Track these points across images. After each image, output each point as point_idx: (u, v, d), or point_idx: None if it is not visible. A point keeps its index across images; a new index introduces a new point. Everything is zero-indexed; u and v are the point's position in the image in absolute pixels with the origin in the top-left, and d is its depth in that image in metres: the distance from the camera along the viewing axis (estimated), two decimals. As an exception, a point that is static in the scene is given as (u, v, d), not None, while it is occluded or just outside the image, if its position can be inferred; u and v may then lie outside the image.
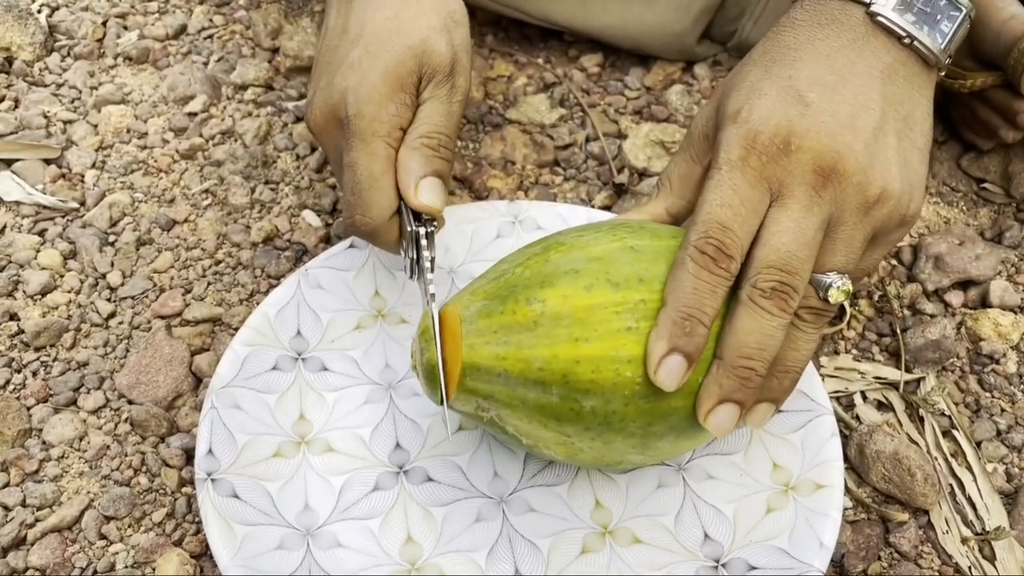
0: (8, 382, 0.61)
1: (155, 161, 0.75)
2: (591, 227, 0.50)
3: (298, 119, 0.78)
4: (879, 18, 0.50)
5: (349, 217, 0.56)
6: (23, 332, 0.64)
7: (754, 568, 0.51)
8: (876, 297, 0.67)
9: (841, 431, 0.59)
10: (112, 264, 0.68)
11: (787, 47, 0.50)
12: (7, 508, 0.56)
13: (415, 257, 0.56)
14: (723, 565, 0.52)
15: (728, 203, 0.46)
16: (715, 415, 0.46)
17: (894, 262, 0.69)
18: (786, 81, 0.49)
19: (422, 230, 0.55)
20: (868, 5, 0.50)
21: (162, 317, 0.65)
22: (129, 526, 0.56)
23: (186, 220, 0.71)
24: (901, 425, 0.61)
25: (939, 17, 0.50)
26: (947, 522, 0.57)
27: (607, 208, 0.72)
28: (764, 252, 0.46)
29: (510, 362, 0.46)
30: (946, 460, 0.59)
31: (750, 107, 0.48)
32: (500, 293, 0.48)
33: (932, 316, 0.66)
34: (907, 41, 0.50)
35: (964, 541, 0.56)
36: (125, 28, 0.85)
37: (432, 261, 0.55)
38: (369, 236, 0.57)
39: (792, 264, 0.46)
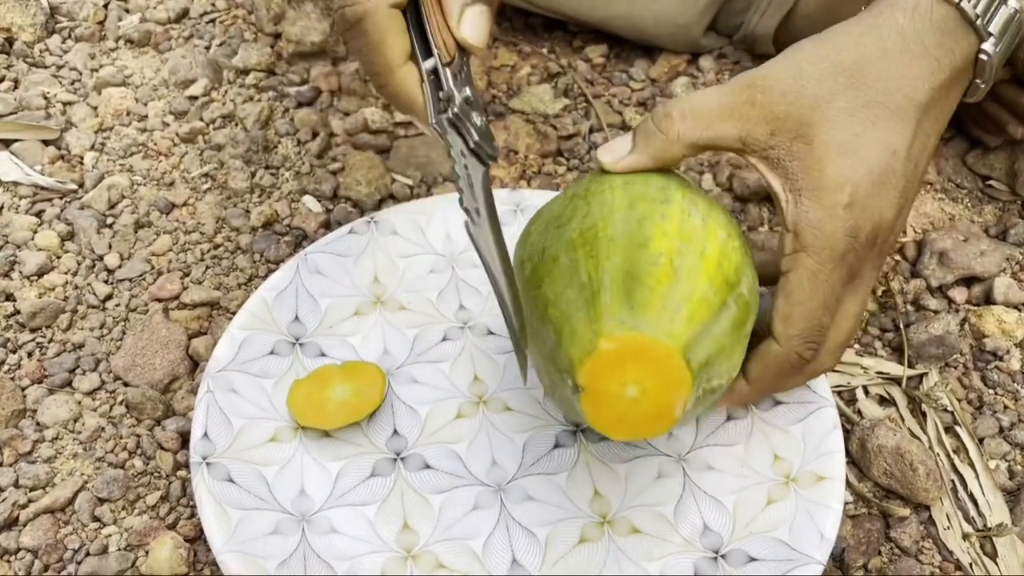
0: (3, 362, 0.61)
1: (155, 144, 0.74)
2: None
3: (300, 104, 0.77)
4: (983, 57, 0.48)
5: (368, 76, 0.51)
6: (19, 312, 0.63)
7: (754, 559, 0.51)
8: (880, 292, 0.66)
9: (843, 425, 0.59)
10: (110, 246, 0.68)
11: (903, 91, 0.47)
12: (0, 489, 0.55)
13: (448, 149, 0.48)
14: (723, 556, 0.51)
15: (828, 304, 0.47)
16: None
17: (898, 258, 0.68)
18: (890, 157, 0.46)
19: (444, 117, 0.48)
20: (982, 40, 0.47)
21: (159, 300, 0.65)
22: (123, 508, 0.55)
23: (185, 204, 0.71)
24: (903, 420, 0.60)
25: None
26: (948, 518, 0.56)
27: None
28: (835, 335, 0.50)
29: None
30: (948, 456, 0.59)
31: (855, 191, 0.46)
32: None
33: (936, 312, 0.65)
34: (980, 83, 0.49)
35: (965, 537, 0.55)
36: (127, 11, 0.84)
37: (479, 145, 0.48)
38: (388, 98, 0.50)
39: (842, 348, 0.51)
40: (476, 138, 0.48)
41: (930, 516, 0.56)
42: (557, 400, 0.50)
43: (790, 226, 0.47)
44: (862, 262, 0.49)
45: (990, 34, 0.47)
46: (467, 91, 0.49)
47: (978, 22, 0.47)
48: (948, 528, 0.56)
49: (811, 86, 0.47)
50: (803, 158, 0.47)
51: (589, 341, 0.44)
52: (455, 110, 0.48)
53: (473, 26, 0.49)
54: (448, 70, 0.49)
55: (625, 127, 0.76)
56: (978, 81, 0.50)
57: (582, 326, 0.44)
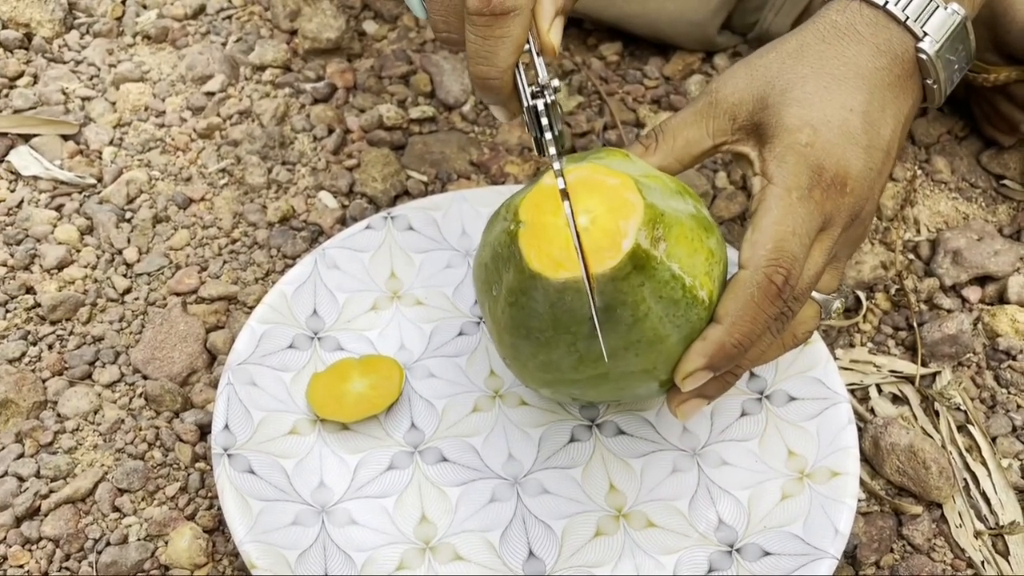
0: (24, 354, 0.61)
1: (172, 139, 0.75)
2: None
3: (316, 101, 0.78)
4: (922, 56, 0.51)
5: (472, 67, 0.51)
6: (39, 306, 0.64)
7: (768, 553, 0.51)
8: (893, 291, 0.67)
9: (856, 423, 0.59)
10: (128, 240, 0.68)
11: (848, 65, 0.50)
12: (22, 479, 0.56)
13: (540, 135, 0.50)
14: (737, 550, 0.52)
15: (798, 232, 0.46)
16: (687, 406, 0.49)
17: (912, 256, 0.69)
18: (847, 114, 0.49)
19: (540, 103, 0.49)
20: (918, 40, 0.51)
21: (178, 294, 0.65)
22: (142, 499, 0.56)
23: (203, 199, 0.71)
24: (916, 419, 0.61)
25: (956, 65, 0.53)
26: (961, 516, 0.57)
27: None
28: (800, 280, 0.49)
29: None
30: (961, 455, 0.59)
31: (815, 133, 0.48)
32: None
33: (949, 311, 0.66)
34: (931, 83, 0.52)
35: (977, 535, 0.56)
36: (144, 7, 0.85)
37: (560, 135, 0.50)
38: (488, 89, 0.51)
39: (807, 293, 0.48)
40: (560, 127, 0.50)
41: (942, 514, 0.57)
42: (491, 325, 0.50)
43: (757, 169, 0.49)
44: (832, 208, 0.48)
45: (926, 34, 0.50)
46: (556, 82, 0.50)
47: (908, 22, 0.50)
48: (960, 526, 0.56)
49: (760, 71, 0.51)
50: (765, 119, 0.50)
51: (534, 185, 0.46)
52: (551, 98, 0.49)
53: (558, 32, 0.51)
54: (541, 59, 0.51)
55: (639, 124, 0.77)
56: (929, 81, 0.52)
57: (530, 186, 0.47)
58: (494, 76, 0.50)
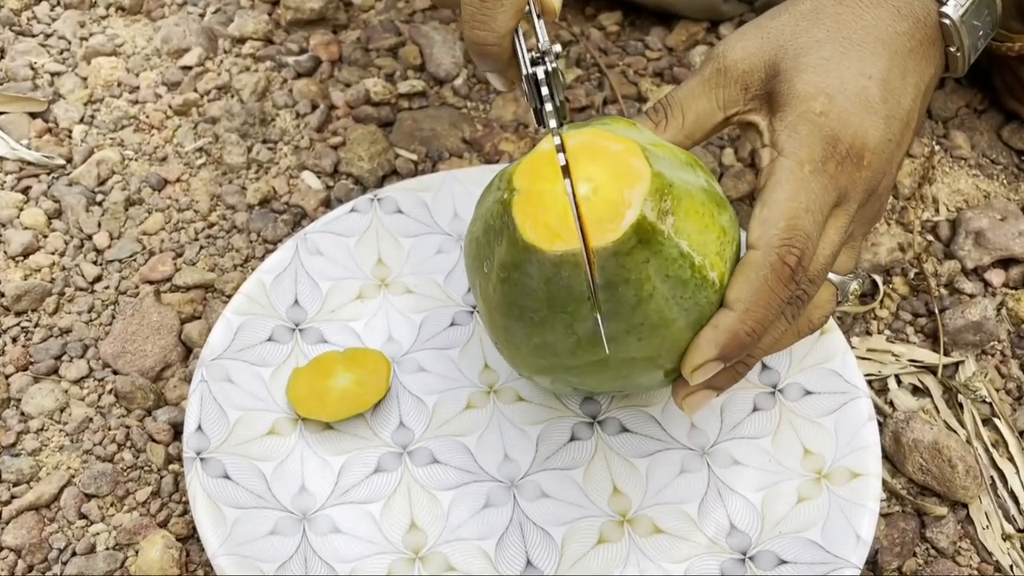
0: (-15, 348, 0.58)
1: (147, 117, 0.71)
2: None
3: (299, 75, 0.74)
4: (945, 21, 0.49)
5: (467, 31, 0.48)
6: (3, 295, 0.61)
7: (784, 562, 0.48)
8: (911, 274, 0.63)
9: (875, 419, 0.56)
10: (99, 225, 0.65)
11: (867, 28, 0.47)
12: (-19, 484, 0.52)
13: (539, 104, 0.47)
14: (751, 558, 0.49)
15: (811, 209, 0.44)
16: (694, 398, 0.46)
17: (930, 237, 0.65)
18: (865, 81, 0.46)
19: (540, 70, 0.46)
20: (941, 3, 0.48)
21: (151, 282, 0.62)
22: (111, 505, 0.53)
23: (178, 180, 0.68)
24: (938, 412, 0.57)
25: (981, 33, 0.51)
26: (987, 517, 0.53)
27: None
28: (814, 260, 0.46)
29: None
30: (986, 450, 0.55)
31: (830, 102, 0.45)
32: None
33: (971, 296, 0.62)
34: (954, 50, 0.50)
35: (1006, 538, 0.52)
36: (117, -24, 0.81)
37: (562, 105, 0.47)
38: (485, 55, 0.49)
39: (822, 275, 0.45)
40: (561, 96, 0.47)
41: (968, 515, 0.53)
42: (481, 299, 0.47)
43: (767, 140, 0.46)
44: (847, 182, 0.45)
45: None
46: (557, 47, 0.47)
47: None
48: (987, 527, 0.53)
49: (772, 35, 0.48)
50: (777, 87, 0.47)
51: (531, 151, 0.43)
52: (553, 64, 0.46)
53: None
54: (542, 21, 0.48)
55: (641, 98, 0.73)
56: (952, 49, 0.50)
57: (527, 155, 0.43)
58: (492, 41, 0.47)
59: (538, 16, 0.47)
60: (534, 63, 0.47)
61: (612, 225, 0.40)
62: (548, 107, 0.45)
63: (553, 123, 0.45)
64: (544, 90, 0.46)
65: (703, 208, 0.43)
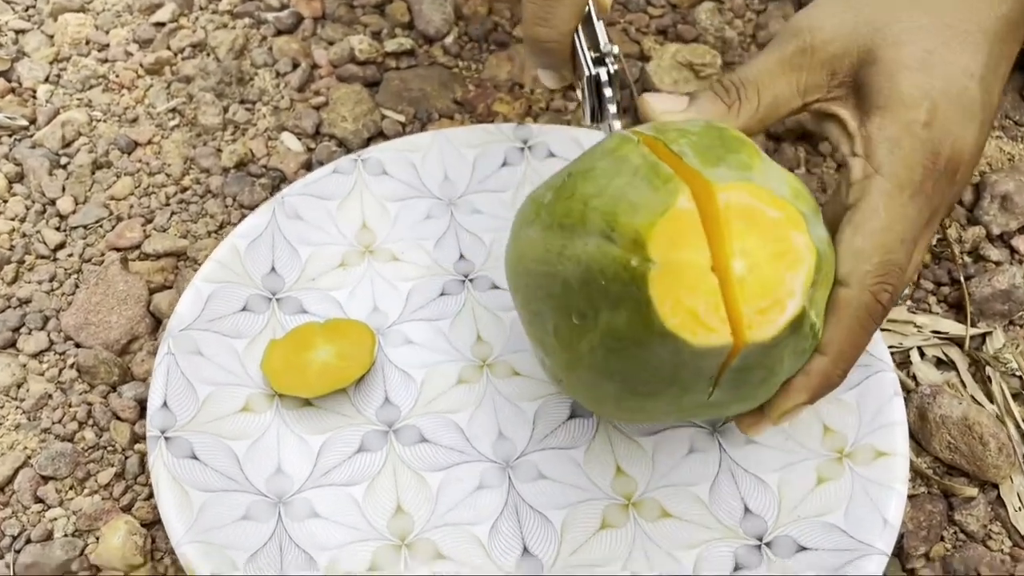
0: (-63, 320, 0.54)
1: (116, 76, 0.68)
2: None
3: (279, 32, 0.70)
4: None
5: (528, 29, 0.48)
6: (-43, 263, 0.56)
7: (804, 548, 0.45)
8: (934, 241, 0.59)
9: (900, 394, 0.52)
10: (63, 189, 0.61)
11: (971, 13, 0.43)
12: (-72, 465, 0.49)
13: (597, 104, 0.48)
14: (767, 544, 0.45)
15: (905, 239, 0.41)
16: (760, 425, 0.43)
17: (953, 202, 0.61)
18: (967, 81, 0.42)
19: (603, 72, 0.47)
20: None
21: (118, 249, 0.58)
22: (71, 488, 0.49)
23: (149, 142, 0.64)
24: (964, 386, 0.53)
25: None
26: (1020, 497, 0.50)
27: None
28: None
29: None
30: (1017, 426, 0.52)
31: (935, 108, 0.41)
32: None
33: (997, 263, 0.58)
34: None
35: (1040, 520, 0.49)
36: (87, -70, 0.76)
37: (618, 104, 0.47)
38: (545, 53, 0.48)
39: (904, 288, 0.44)
40: (619, 97, 0.48)
41: (998, 496, 0.50)
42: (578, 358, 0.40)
43: (859, 149, 0.42)
44: (940, 200, 0.42)
45: None
46: (616, 49, 0.48)
47: None
48: (1020, 509, 0.50)
49: (865, 14, 0.43)
50: (872, 79, 0.43)
51: (662, 202, 0.35)
52: (615, 67, 0.47)
53: None
54: (602, 23, 0.48)
55: (643, 57, 0.69)
56: None
57: (646, 196, 0.36)
58: (554, 39, 0.47)
59: (597, 18, 0.48)
60: (596, 63, 0.47)
61: (771, 317, 0.36)
62: (612, 109, 0.46)
63: (618, 124, 0.46)
64: (607, 92, 0.47)
65: (831, 268, 0.39)
